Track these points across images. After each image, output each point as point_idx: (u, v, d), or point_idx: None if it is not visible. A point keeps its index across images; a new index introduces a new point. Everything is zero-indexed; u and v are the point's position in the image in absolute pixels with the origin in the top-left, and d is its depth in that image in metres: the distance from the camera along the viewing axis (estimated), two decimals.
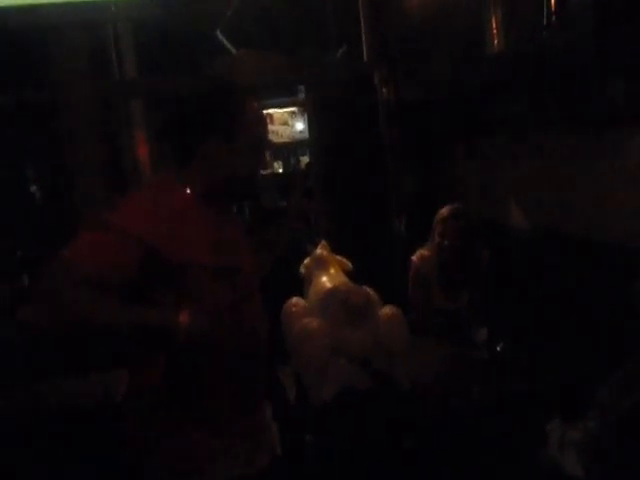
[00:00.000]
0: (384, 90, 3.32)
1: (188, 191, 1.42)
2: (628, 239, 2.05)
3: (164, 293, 1.34)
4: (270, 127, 5.78)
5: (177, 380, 1.38)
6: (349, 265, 2.39)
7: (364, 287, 2.13)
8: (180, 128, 1.44)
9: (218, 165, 1.41)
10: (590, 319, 2.13)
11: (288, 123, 6.20)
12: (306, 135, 6.07)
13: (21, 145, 3.59)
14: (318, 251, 2.38)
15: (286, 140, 6.18)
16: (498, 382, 2.19)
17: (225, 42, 3.77)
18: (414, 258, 2.65)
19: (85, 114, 3.26)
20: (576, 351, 2.13)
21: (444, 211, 2.58)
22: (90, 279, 1.24)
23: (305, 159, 6.32)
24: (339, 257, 2.40)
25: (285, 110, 6.10)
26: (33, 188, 3.91)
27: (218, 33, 3.75)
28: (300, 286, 2.42)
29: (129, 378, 1.50)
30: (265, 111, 5.46)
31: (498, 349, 2.35)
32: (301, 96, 5.50)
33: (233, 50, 3.77)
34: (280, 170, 6.41)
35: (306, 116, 5.95)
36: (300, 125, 6.25)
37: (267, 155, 1.53)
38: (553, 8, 1.96)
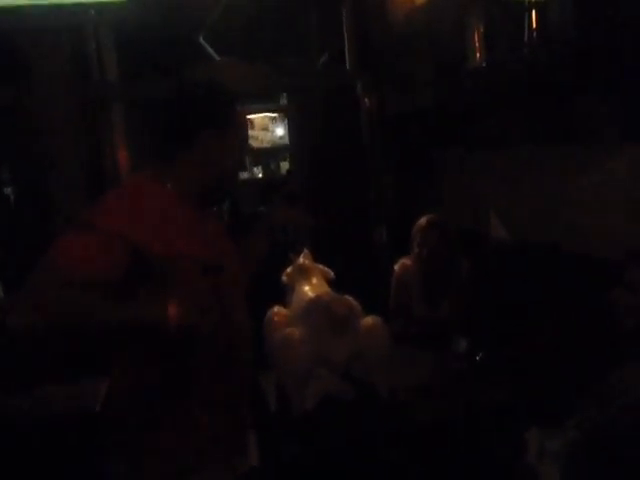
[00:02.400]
0: (366, 99, 3.34)
1: (171, 189, 1.43)
2: (607, 251, 2.09)
3: (151, 288, 1.33)
4: (250, 132, 5.77)
5: (161, 380, 1.38)
6: (331, 274, 2.39)
7: (346, 297, 2.13)
8: (173, 125, 1.46)
9: (208, 162, 1.44)
10: (570, 329, 2.16)
11: (268, 128, 6.18)
12: (286, 141, 6.07)
13: None
14: (301, 260, 2.37)
15: (266, 145, 6.16)
16: (477, 392, 2.21)
17: (208, 49, 3.76)
18: (396, 267, 2.67)
19: (64, 115, 3.23)
20: (555, 361, 2.16)
21: (422, 221, 2.61)
22: (78, 281, 1.24)
23: (285, 164, 6.31)
24: (321, 266, 2.41)
25: (265, 115, 6.09)
26: (7, 190, 3.85)
27: (201, 39, 3.74)
28: (282, 295, 2.41)
29: (110, 380, 1.49)
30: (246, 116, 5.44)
31: (477, 358, 2.37)
32: (282, 102, 5.51)
33: (216, 57, 3.76)
34: (260, 175, 6.39)
35: (287, 122, 5.95)
36: (280, 130, 6.23)
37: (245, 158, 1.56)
38: (534, 25, 2.00)
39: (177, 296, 1.30)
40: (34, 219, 3.43)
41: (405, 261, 2.67)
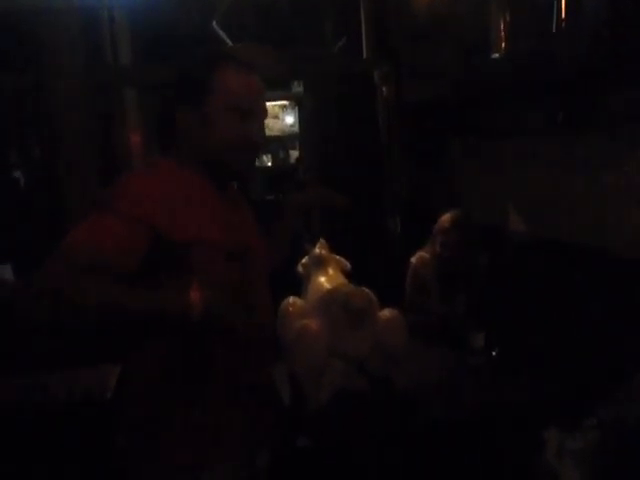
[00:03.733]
0: (384, 88, 3.29)
1: (183, 168, 1.38)
2: (627, 248, 2.05)
3: (173, 274, 1.29)
4: None
5: (181, 367, 1.35)
6: (348, 265, 2.35)
7: (364, 288, 2.10)
8: (161, 102, 1.43)
9: (191, 135, 1.37)
10: (589, 327, 2.13)
11: (279, 116, 6.16)
12: (296, 129, 6.03)
13: (6, 128, 3.51)
14: (317, 250, 2.34)
15: (276, 133, 6.14)
16: (494, 388, 2.18)
17: (221, 34, 3.71)
18: (413, 260, 2.62)
19: (75, 99, 3.20)
20: (574, 358, 2.13)
21: (446, 220, 2.55)
22: (97, 266, 1.20)
23: (295, 153, 6.29)
24: (338, 257, 2.37)
25: (276, 103, 6.05)
26: (17, 173, 3.82)
27: (214, 24, 3.69)
28: (297, 285, 2.38)
29: (125, 367, 1.46)
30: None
31: (493, 354, 2.35)
32: (293, 89, 5.46)
33: (229, 42, 3.71)
34: (269, 163, 6.37)
35: (297, 110, 5.91)
36: (290, 119, 6.21)
37: (259, 131, 1.36)
38: (563, 15, 1.95)
39: (200, 282, 1.26)
40: (44, 202, 3.41)
41: (423, 254, 2.62)
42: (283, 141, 6.33)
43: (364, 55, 3.50)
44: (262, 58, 3.44)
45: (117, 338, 1.43)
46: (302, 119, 5.29)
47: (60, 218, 3.09)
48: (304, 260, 2.36)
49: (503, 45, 2.26)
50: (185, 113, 1.37)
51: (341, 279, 2.25)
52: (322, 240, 2.37)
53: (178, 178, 1.37)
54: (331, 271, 2.28)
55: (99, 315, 1.21)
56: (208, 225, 1.34)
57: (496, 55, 2.31)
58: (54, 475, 2.18)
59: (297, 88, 5.28)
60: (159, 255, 1.27)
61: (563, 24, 1.96)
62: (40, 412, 2.23)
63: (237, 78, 1.37)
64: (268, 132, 6.17)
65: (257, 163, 5.97)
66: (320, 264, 2.30)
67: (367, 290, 2.07)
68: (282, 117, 6.20)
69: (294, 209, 1.69)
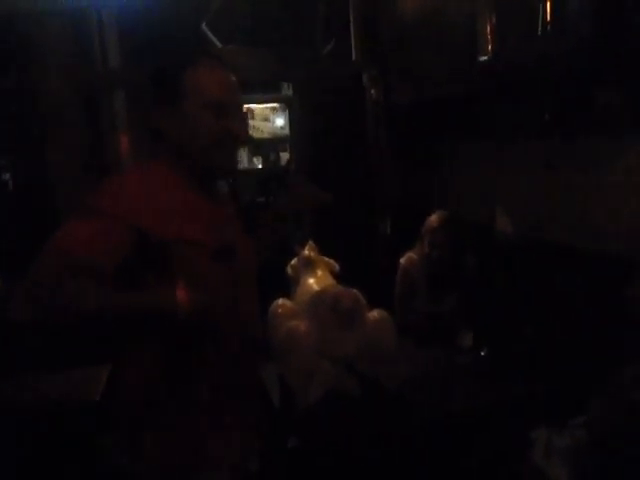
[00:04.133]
0: (372, 91, 3.31)
1: (175, 172, 1.39)
2: (614, 246, 2.07)
3: (158, 274, 1.31)
4: (251, 122, 5.74)
5: (168, 368, 1.35)
6: (336, 266, 2.38)
7: (353, 290, 2.11)
8: (141, 102, 1.43)
9: (171, 134, 1.38)
10: (577, 326, 2.15)
11: (269, 119, 6.15)
12: (287, 131, 6.03)
13: None
14: (305, 252, 2.35)
15: (266, 136, 6.13)
16: (483, 387, 2.19)
17: (210, 36, 3.70)
18: (402, 261, 2.64)
19: (65, 101, 3.19)
20: (562, 357, 2.15)
21: (434, 220, 2.56)
22: (82, 266, 1.21)
23: (285, 155, 6.29)
24: (326, 258, 2.38)
25: (266, 106, 6.05)
26: (6, 176, 3.80)
27: (204, 27, 3.69)
28: (286, 287, 2.39)
29: (114, 372, 1.46)
30: (246, 106, 5.37)
31: (482, 353, 2.36)
32: (284, 92, 5.46)
33: (218, 44, 3.71)
34: (260, 166, 6.37)
35: (287, 112, 5.92)
36: (281, 121, 6.20)
37: (239, 125, 1.33)
38: (549, 17, 1.96)
39: (186, 282, 1.27)
40: (33, 206, 3.40)
41: (411, 255, 2.64)
42: (274, 143, 6.32)
43: (353, 58, 3.52)
44: (251, 60, 3.45)
45: (107, 338, 1.43)
46: (292, 121, 5.29)
47: (49, 221, 3.08)
48: (293, 262, 2.37)
49: (490, 47, 2.27)
50: (162, 113, 1.38)
51: (330, 280, 2.27)
52: (311, 242, 2.39)
53: (162, 178, 1.38)
54: (320, 273, 2.30)
55: (85, 314, 1.22)
56: (191, 224, 1.35)
57: (483, 57, 2.32)
58: (50, 475, 2.17)
59: (287, 91, 5.28)
60: (143, 254, 1.28)
61: (549, 26, 1.98)
62: (34, 413, 2.23)
63: (209, 74, 1.37)
64: (259, 134, 6.17)
65: (248, 165, 5.98)
66: (309, 266, 2.32)
67: (356, 291, 2.09)
68: (272, 119, 6.19)
69: (278, 215, 1.69)
